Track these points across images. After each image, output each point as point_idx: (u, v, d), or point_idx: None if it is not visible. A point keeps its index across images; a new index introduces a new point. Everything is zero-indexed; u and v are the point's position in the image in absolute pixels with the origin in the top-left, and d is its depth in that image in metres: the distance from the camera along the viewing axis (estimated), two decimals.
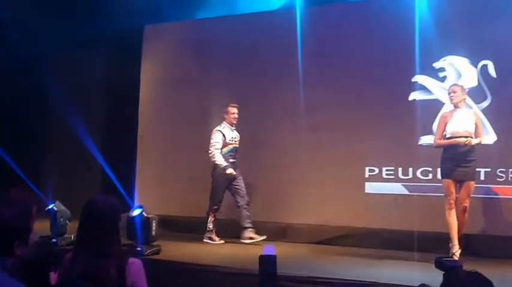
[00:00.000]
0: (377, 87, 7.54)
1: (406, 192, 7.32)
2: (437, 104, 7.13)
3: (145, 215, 6.39)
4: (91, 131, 9.56)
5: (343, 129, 7.67)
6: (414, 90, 7.36)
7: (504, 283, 4.82)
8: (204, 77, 8.74)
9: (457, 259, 5.92)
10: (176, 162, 8.86)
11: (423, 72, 7.29)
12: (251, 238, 7.19)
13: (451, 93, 6.23)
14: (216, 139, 7.44)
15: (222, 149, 7.43)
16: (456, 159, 6.09)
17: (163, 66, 9.29)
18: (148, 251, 6.21)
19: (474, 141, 6.05)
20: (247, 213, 7.29)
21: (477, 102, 6.94)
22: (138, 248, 6.10)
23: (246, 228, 7.25)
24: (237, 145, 7.55)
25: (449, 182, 6.13)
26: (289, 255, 6.75)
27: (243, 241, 7.20)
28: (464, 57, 7.10)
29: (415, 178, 7.27)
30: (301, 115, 7.94)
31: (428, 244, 6.59)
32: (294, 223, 7.84)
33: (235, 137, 7.55)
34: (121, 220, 3.14)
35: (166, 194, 8.80)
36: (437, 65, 7.17)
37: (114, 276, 2.79)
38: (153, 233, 6.40)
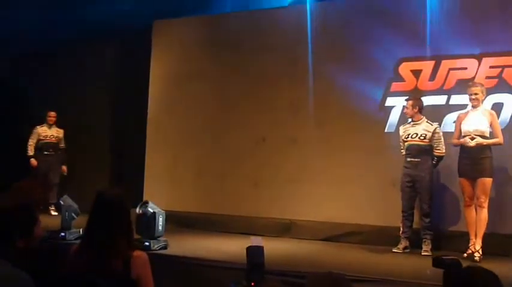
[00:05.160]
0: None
1: None
2: None
3: (151, 210, 6.39)
4: (100, 127, 9.58)
5: (351, 125, 7.63)
6: None
7: None
8: (214, 72, 8.73)
9: (466, 254, 6.04)
10: (186, 158, 8.86)
11: None
12: (422, 248, 6.51)
13: (473, 94, 6.28)
14: (400, 138, 6.85)
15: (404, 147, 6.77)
16: (467, 157, 6.22)
17: (172, 62, 9.27)
18: (156, 246, 6.22)
19: (471, 142, 6.10)
20: (422, 224, 6.58)
21: None
22: (146, 243, 6.10)
23: (422, 239, 6.57)
24: (418, 142, 6.59)
25: (462, 180, 6.29)
26: (294, 252, 6.76)
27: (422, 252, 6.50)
28: None
29: None
30: (309, 111, 7.94)
31: (442, 242, 6.67)
32: (299, 219, 7.80)
33: (414, 134, 6.64)
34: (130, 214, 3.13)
35: (176, 190, 8.81)
36: None
37: (119, 269, 2.78)
38: (160, 228, 6.39)
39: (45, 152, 9.45)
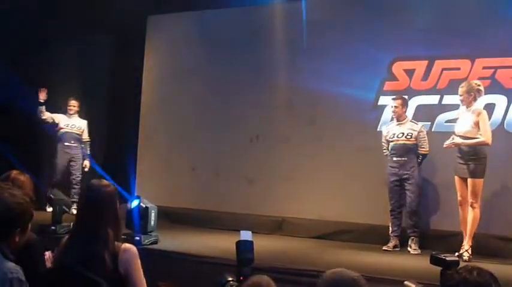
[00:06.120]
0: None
1: None
2: None
3: (143, 205, 6.38)
4: (92, 121, 9.52)
5: (344, 123, 7.63)
6: None
7: None
8: (208, 68, 8.71)
9: (458, 254, 5.99)
10: (179, 153, 8.85)
11: None
12: (410, 246, 6.56)
13: (459, 95, 6.30)
14: (383, 138, 6.93)
15: (388, 147, 6.82)
16: (460, 157, 6.22)
17: (166, 57, 9.26)
18: (147, 240, 6.23)
19: (446, 143, 6.18)
20: (409, 222, 6.62)
21: None
22: (137, 238, 6.11)
23: (409, 237, 6.62)
24: (404, 142, 6.65)
25: (456, 178, 6.29)
26: (285, 249, 6.77)
27: (409, 249, 6.58)
28: None
29: None
30: (302, 109, 7.95)
31: (428, 241, 6.64)
32: (291, 216, 7.81)
33: (400, 133, 6.69)
34: (119, 207, 3.13)
35: (169, 186, 8.79)
36: None
37: (108, 262, 2.76)
38: (152, 223, 6.40)
39: (66, 143, 8.51)
